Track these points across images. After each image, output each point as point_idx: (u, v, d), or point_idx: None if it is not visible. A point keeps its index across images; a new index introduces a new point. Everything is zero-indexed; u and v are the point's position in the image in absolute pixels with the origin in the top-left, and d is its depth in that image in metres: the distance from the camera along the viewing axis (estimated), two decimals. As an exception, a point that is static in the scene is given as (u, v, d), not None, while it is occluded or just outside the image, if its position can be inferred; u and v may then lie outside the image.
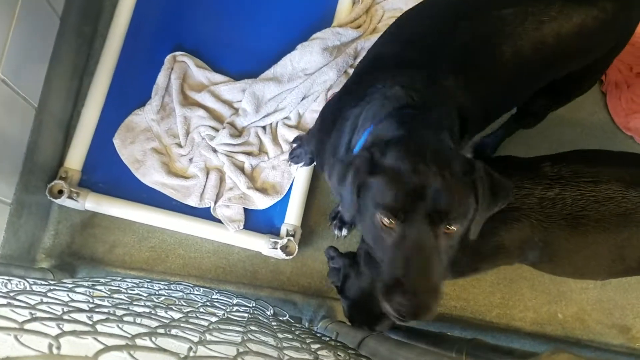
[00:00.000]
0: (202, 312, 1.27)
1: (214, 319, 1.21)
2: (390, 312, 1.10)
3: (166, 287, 1.69)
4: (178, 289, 1.73)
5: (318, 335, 1.61)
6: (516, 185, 1.44)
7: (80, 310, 0.92)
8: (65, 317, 0.84)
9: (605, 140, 2.41)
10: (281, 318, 1.76)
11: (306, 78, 2.17)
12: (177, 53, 2.20)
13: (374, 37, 2.19)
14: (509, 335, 2.22)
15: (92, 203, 2.04)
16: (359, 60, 2.10)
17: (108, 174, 2.12)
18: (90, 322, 0.82)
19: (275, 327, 1.37)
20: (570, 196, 1.42)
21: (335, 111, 1.48)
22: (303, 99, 2.18)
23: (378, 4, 2.36)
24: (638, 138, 2.41)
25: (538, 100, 1.86)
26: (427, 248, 1.08)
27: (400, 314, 1.07)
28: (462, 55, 1.37)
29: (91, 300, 1.15)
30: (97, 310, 0.96)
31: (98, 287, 1.42)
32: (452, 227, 1.10)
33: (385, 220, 1.10)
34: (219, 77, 2.21)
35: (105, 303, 1.14)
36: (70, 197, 2.01)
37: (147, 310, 1.14)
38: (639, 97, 2.42)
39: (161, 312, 1.17)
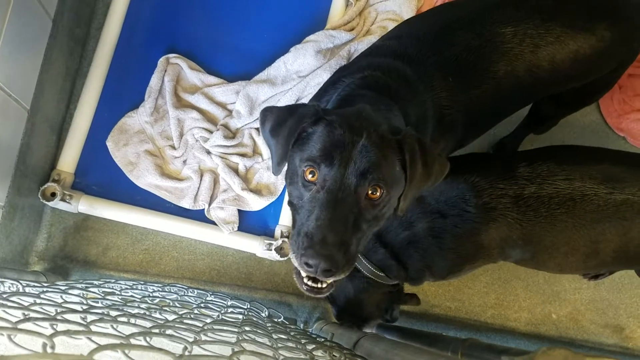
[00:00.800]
0: (196, 314, 1.27)
1: (208, 320, 1.21)
2: (298, 267, 1.09)
3: (160, 289, 1.68)
4: (172, 290, 1.72)
5: (313, 336, 1.61)
6: (491, 185, 1.47)
7: (74, 312, 0.91)
8: (59, 317, 0.84)
9: (597, 141, 2.43)
10: (276, 320, 1.76)
11: (300, 80, 2.17)
12: (170, 55, 2.19)
13: (368, 40, 2.20)
14: (504, 335, 2.23)
15: (85, 206, 2.03)
16: (352, 61, 2.10)
17: (101, 177, 2.11)
18: (84, 323, 0.81)
19: (270, 328, 1.36)
20: (546, 194, 1.44)
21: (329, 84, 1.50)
22: (297, 101, 2.18)
23: (371, 7, 2.36)
24: (630, 139, 2.43)
25: (548, 109, 1.88)
26: (344, 204, 1.06)
27: (308, 267, 1.04)
28: (455, 62, 1.39)
29: (85, 302, 1.14)
30: (90, 311, 0.96)
31: (91, 290, 1.41)
32: (377, 192, 1.09)
33: (308, 174, 1.09)
34: (212, 79, 2.20)
35: (99, 305, 1.13)
36: (63, 199, 1.99)
37: (141, 311, 1.13)
38: (630, 99, 2.44)
39: (155, 314, 1.17)
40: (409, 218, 1.55)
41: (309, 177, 1.10)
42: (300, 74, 2.17)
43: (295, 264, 1.10)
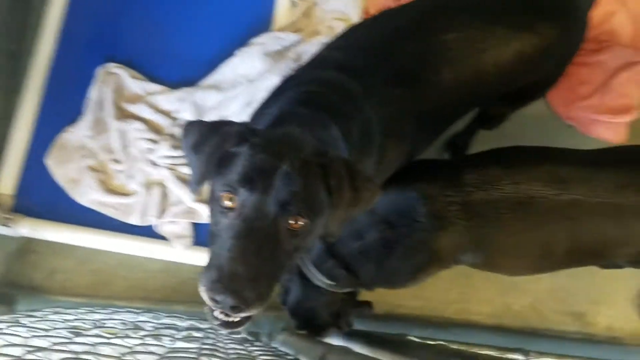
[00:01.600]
0: (148, 344, 1.20)
1: (160, 350, 1.14)
2: (206, 302, 1.00)
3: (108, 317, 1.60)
4: (121, 317, 1.63)
5: (279, 353, 1.56)
6: (438, 193, 1.45)
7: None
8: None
9: (548, 131, 2.44)
10: (237, 336, 1.70)
11: (248, 84, 2.11)
12: (109, 64, 2.11)
13: (316, 40, 2.16)
14: (468, 330, 2.22)
15: (28, 228, 1.94)
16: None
17: (43, 197, 2.02)
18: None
19: (231, 354, 1.30)
20: (493, 199, 1.43)
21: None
22: (247, 105, 2.13)
23: (317, 6, 2.32)
24: (579, 127, 2.46)
25: (496, 106, 1.89)
26: (261, 235, 0.99)
27: (215, 302, 0.97)
28: (401, 72, 1.37)
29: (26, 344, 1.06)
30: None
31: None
32: (299, 222, 1.03)
33: (226, 200, 1.02)
34: (155, 87, 2.13)
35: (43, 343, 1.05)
36: (3, 224, 1.91)
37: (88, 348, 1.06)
38: (577, 87, 2.47)
39: (103, 348, 1.09)
40: (359, 229, 1.52)
41: (227, 203, 1.02)
42: (248, 77, 2.12)
43: (204, 298, 1.01)
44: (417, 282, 1.64)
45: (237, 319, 1.04)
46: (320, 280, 1.58)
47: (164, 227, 2.01)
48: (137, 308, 1.75)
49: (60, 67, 2.12)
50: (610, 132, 2.45)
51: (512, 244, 1.47)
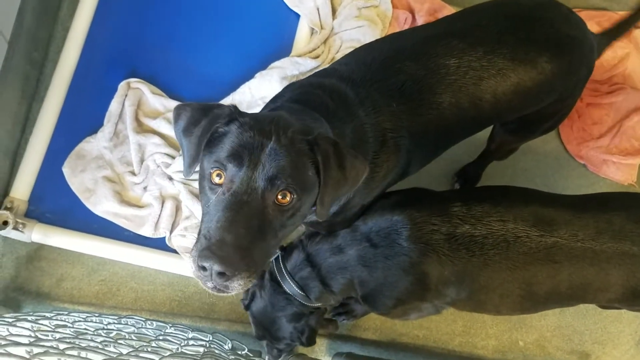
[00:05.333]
0: (154, 347, 1.20)
1: (166, 353, 1.15)
2: (194, 274, 1.02)
3: (116, 322, 1.60)
4: (129, 323, 1.64)
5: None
6: (424, 221, 1.46)
7: (18, 344, 0.85)
8: (1, 350, 0.77)
9: (558, 169, 2.47)
10: (240, 352, 1.69)
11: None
12: (131, 79, 2.15)
13: (333, 67, 2.20)
14: (472, 364, 2.20)
15: (39, 234, 1.95)
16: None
17: (56, 204, 2.03)
18: (27, 357, 0.75)
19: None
20: (479, 234, 1.45)
21: None
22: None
23: (336, 35, 2.37)
24: (590, 166, 2.48)
25: (500, 138, 1.91)
26: (249, 208, 1.01)
27: (203, 271, 0.98)
28: (400, 90, 1.39)
29: (33, 335, 1.07)
30: (37, 344, 0.89)
31: (42, 322, 1.33)
32: (287, 197, 1.05)
33: (215, 177, 1.05)
34: (175, 104, 2.15)
35: (49, 337, 1.06)
36: (15, 228, 1.91)
37: (94, 344, 1.07)
38: (589, 127, 2.50)
39: (109, 347, 1.10)
40: (340, 244, 1.53)
41: (216, 179, 1.05)
42: (265, 99, 2.15)
43: (192, 270, 1.03)
44: (401, 314, 1.63)
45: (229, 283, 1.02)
46: (291, 288, 1.58)
47: (175, 240, 2.02)
48: (143, 318, 1.74)
49: (82, 78, 2.15)
50: (620, 173, 2.47)
51: (496, 281, 1.46)
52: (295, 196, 1.06)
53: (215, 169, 1.05)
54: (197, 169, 1.15)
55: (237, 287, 1.02)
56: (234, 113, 1.10)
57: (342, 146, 1.13)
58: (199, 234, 1.07)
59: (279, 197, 1.04)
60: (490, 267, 1.44)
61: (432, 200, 1.55)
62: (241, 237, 0.98)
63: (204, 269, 0.98)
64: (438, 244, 1.44)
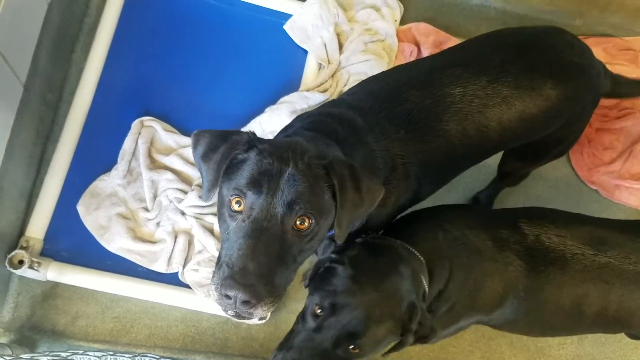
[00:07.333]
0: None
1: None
2: (217, 303, 1.03)
3: None
4: (143, 361, 1.64)
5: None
6: (494, 235, 1.47)
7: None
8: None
9: (571, 194, 2.46)
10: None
11: (275, 140, 2.17)
12: (144, 118, 2.19)
13: (341, 100, 2.23)
14: (491, 396, 2.16)
15: (54, 273, 1.96)
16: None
17: (71, 242, 2.04)
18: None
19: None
20: (544, 249, 1.45)
21: None
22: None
23: (344, 69, 2.41)
24: (602, 192, 2.46)
25: (509, 164, 1.92)
26: (269, 234, 1.03)
27: (227, 299, 0.99)
28: (407, 118, 1.42)
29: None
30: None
31: (57, 362, 1.34)
32: (305, 223, 1.06)
33: (234, 204, 1.07)
34: (187, 140, 2.19)
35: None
36: (31, 267, 1.92)
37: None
38: (600, 152, 2.49)
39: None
40: None
41: (235, 207, 1.07)
42: (274, 133, 2.17)
43: (215, 299, 1.04)
44: (460, 327, 1.59)
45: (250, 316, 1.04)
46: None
47: (187, 275, 2.03)
48: (157, 355, 1.73)
49: (96, 118, 2.19)
50: (633, 197, 2.45)
51: (552, 297, 1.46)
52: (313, 221, 1.08)
53: (234, 196, 1.08)
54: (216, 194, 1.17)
55: (260, 314, 1.04)
56: (253, 140, 1.13)
57: (357, 168, 1.15)
58: (218, 261, 1.09)
59: (298, 222, 1.06)
60: (550, 283, 1.45)
61: (499, 217, 1.58)
62: (263, 264, 1.00)
63: (227, 297, 1.00)
64: (508, 257, 1.45)
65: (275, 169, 1.06)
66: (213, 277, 1.06)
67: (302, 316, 1.30)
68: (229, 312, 1.05)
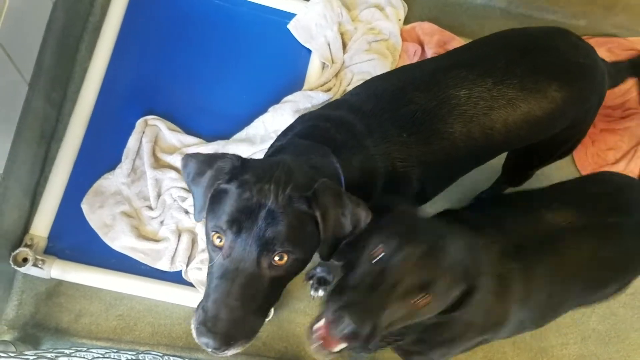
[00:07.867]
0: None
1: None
2: (198, 343, 1.04)
3: (134, 357, 1.61)
4: (147, 359, 1.64)
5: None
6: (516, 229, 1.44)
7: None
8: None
9: (575, 194, 2.45)
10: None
11: (278, 139, 2.18)
12: (148, 117, 2.19)
13: (345, 99, 2.23)
14: (493, 396, 2.16)
15: (58, 270, 1.97)
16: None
17: (75, 240, 2.05)
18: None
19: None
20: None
21: None
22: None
23: (347, 68, 2.42)
24: (606, 192, 2.46)
25: (514, 164, 1.92)
26: (245, 276, 1.03)
27: (204, 344, 1.01)
28: (410, 120, 1.40)
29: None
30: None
31: (61, 359, 1.34)
32: (284, 259, 1.05)
33: (216, 239, 1.07)
34: (191, 139, 2.20)
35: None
36: (35, 265, 1.92)
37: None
38: (604, 152, 2.49)
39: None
40: None
41: (217, 242, 1.07)
42: (278, 132, 2.17)
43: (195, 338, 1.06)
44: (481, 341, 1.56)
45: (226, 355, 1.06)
46: None
47: (191, 273, 2.03)
48: (160, 353, 1.74)
49: (100, 117, 2.20)
50: (638, 198, 2.44)
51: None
52: (293, 256, 1.07)
53: (214, 232, 1.08)
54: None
55: (234, 352, 1.05)
56: (236, 168, 1.11)
57: (343, 195, 1.13)
58: (203, 295, 1.09)
59: (276, 258, 1.05)
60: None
61: (519, 212, 1.55)
62: (236, 309, 1.01)
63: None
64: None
65: (254, 205, 1.04)
66: (194, 314, 1.07)
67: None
68: (208, 349, 1.06)
